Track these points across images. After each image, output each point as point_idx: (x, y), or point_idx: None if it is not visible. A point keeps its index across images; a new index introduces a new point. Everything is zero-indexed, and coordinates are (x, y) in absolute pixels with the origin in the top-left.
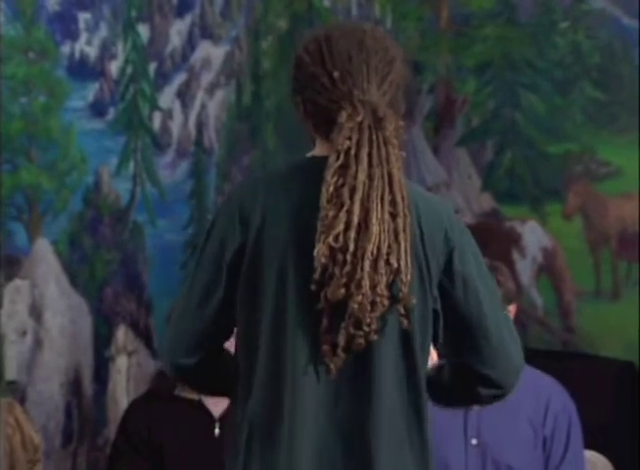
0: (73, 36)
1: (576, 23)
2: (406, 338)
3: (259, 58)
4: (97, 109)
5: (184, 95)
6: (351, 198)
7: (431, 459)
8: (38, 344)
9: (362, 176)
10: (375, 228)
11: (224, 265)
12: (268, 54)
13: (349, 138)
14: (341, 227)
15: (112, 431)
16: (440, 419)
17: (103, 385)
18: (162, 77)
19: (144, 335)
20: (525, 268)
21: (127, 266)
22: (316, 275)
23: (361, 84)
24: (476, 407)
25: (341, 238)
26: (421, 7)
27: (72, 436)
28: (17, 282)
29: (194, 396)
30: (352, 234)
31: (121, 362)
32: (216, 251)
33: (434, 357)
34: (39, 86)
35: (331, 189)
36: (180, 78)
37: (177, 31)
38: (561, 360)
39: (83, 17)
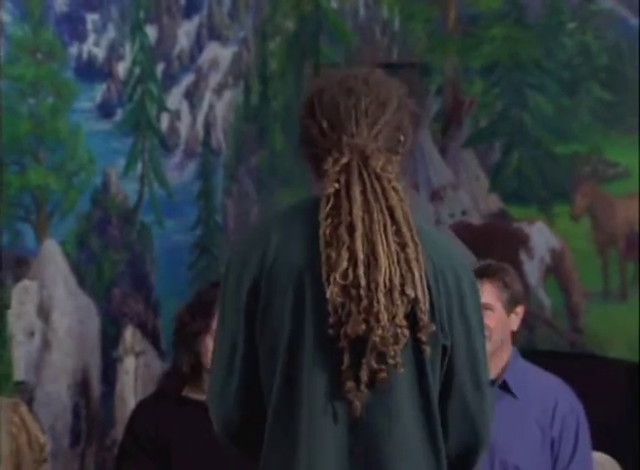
0: (81, 37)
1: (584, 24)
2: (421, 369)
3: (267, 59)
4: (105, 110)
5: (192, 96)
6: (351, 235)
7: None
8: (46, 344)
9: (358, 212)
10: (383, 260)
11: (242, 309)
12: (276, 55)
13: (337, 181)
14: (345, 265)
15: (119, 432)
16: None
17: (110, 386)
18: (170, 78)
19: (152, 336)
20: (532, 269)
21: (135, 267)
22: (332, 318)
23: (350, 129)
24: None
25: (350, 274)
26: (428, 8)
27: (80, 436)
28: (25, 283)
29: (201, 397)
30: (361, 269)
31: (129, 363)
32: (235, 299)
33: None
34: (47, 87)
35: (327, 231)
36: (188, 79)
37: (185, 32)
38: (569, 361)
39: (91, 18)
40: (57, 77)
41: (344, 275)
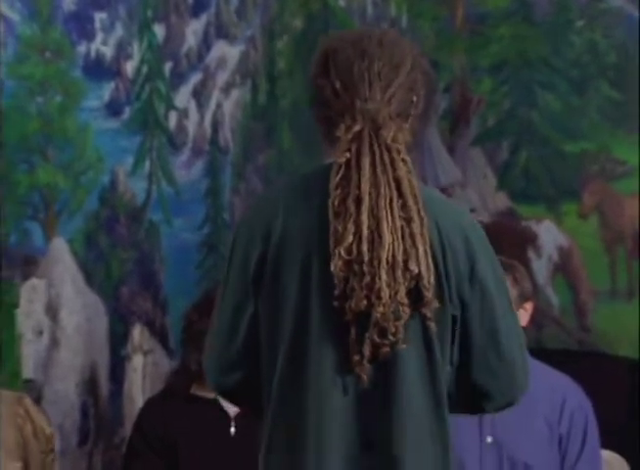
0: (89, 36)
1: (593, 22)
2: (428, 344)
3: (275, 57)
4: (113, 108)
5: (200, 94)
6: (357, 208)
7: (451, 463)
8: (54, 343)
9: (366, 185)
10: (387, 236)
11: (250, 281)
12: (283, 53)
13: (349, 149)
14: (350, 239)
15: (127, 430)
16: (455, 417)
17: (119, 384)
18: (178, 77)
19: (160, 334)
20: (540, 268)
21: (143, 265)
22: (337, 290)
23: (363, 93)
24: None
25: (354, 250)
26: (436, 6)
27: (88, 435)
28: (33, 281)
29: (210, 394)
30: (365, 244)
31: (137, 361)
32: (241, 269)
33: None
34: (55, 86)
35: (336, 202)
36: (196, 78)
37: (193, 31)
38: (576, 359)
39: (99, 16)
40: (65, 76)
41: (349, 250)
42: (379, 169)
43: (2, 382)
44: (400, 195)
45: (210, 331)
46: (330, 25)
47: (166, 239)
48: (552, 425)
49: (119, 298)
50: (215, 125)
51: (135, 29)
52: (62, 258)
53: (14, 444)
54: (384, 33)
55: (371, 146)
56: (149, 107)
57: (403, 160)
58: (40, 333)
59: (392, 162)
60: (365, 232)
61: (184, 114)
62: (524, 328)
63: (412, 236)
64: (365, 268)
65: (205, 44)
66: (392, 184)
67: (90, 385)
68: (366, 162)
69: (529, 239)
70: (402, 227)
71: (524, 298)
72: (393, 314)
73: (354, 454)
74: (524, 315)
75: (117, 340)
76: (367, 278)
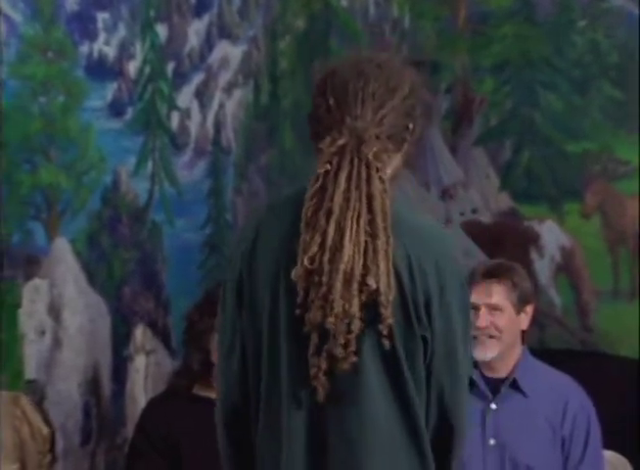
0: (92, 36)
1: (595, 22)
2: (393, 360)
3: (277, 57)
4: (115, 108)
5: (202, 95)
6: (327, 220)
7: None
8: (57, 343)
9: (339, 198)
10: (348, 249)
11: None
12: (286, 54)
13: (329, 162)
14: (314, 249)
15: (130, 430)
16: None
17: (121, 384)
18: (180, 77)
19: (162, 334)
20: (543, 268)
21: (145, 266)
22: (299, 299)
23: (355, 111)
24: (493, 406)
25: (316, 260)
26: (438, 6)
27: (91, 435)
28: (36, 281)
29: (212, 394)
30: (327, 256)
31: (140, 361)
32: (232, 289)
33: None
34: (58, 86)
35: (309, 213)
36: (198, 78)
37: (195, 31)
38: (579, 360)
39: (102, 17)
40: (68, 76)
41: (312, 260)
42: (353, 184)
43: (4, 382)
44: (370, 211)
45: (217, 354)
46: (332, 26)
47: (169, 239)
48: (554, 427)
49: (122, 298)
50: (218, 126)
51: (138, 29)
52: (64, 258)
53: (11, 445)
54: (385, 58)
55: (351, 160)
56: (151, 107)
57: (380, 178)
58: (43, 333)
59: (369, 178)
60: (329, 244)
61: (186, 114)
62: (525, 330)
63: (375, 252)
64: (323, 279)
65: (208, 44)
66: (364, 200)
67: (92, 385)
68: (343, 175)
69: (532, 239)
70: (366, 242)
71: (524, 301)
72: (347, 327)
73: (312, 466)
74: (525, 319)
75: (120, 340)
76: (324, 289)
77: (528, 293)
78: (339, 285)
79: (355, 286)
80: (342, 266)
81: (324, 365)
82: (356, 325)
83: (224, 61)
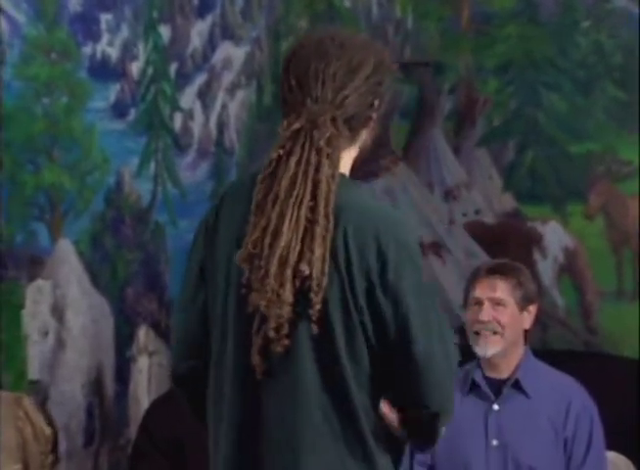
0: (95, 37)
1: (599, 23)
2: (329, 347)
3: (280, 58)
4: (118, 109)
5: (205, 95)
6: (273, 205)
7: (378, 459)
8: (60, 344)
9: (285, 183)
10: (286, 234)
11: (199, 278)
12: None
13: (283, 146)
14: (258, 233)
15: (133, 431)
16: (461, 420)
17: (124, 385)
18: (183, 78)
19: (165, 335)
20: (546, 269)
21: (148, 266)
22: (244, 280)
23: (315, 92)
24: (496, 407)
25: (258, 244)
26: (442, 7)
27: (94, 435)
28: (39, 282)
29: None
30: (268, 240)
31: (143, 362)
32: (194, 265)
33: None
34: (61, 87)
35: (259, 196)
36: (201, 79)
37: (198, 32)
38: (582, 361)
39: (105, 18)
40: (71, 77)
41: (255, 243)
42: (301, 169)
43: (8, 383)
44: (313, 197)
45: (172, 318)
46: (335, 26)
47: (172, 240)
48: (557, 427)
49: (125, 299)
50: (221, 126)
51: (141, 30)
52: (67, 258)
53: (14, 445)
54: (348, 36)
55: (303, 145)
56: (154, 108)
57: (331, 164)
58: (46, 334)
59: (318, 164)
60: (271, 228)
61: (189, 115)
62: (528, 330)
63: (312, 238)
64: (262, 263)
65: (211, 45)
66: (309, 185)
67: (96, 386)
68: (293, 160)
69: (535, 240)
70: (306, 228)
71: (528, 300)
72: (279, 311)
73: (244, 440)
74: (528, 318)
75: (123, 341)
76: (262, 272)
77: (532, 293)
78: (274, 269)
79: (289, 271)
80: (278, 251)
81: (259, 344)
82: (286, 310)
83: (227, 62)
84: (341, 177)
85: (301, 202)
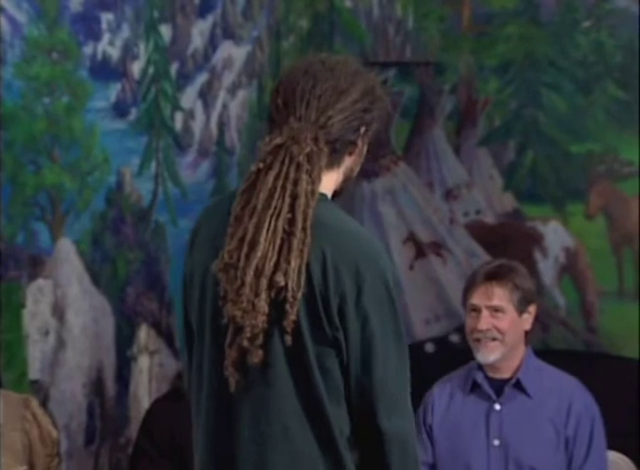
0: (96, 37)
1: (599, 23)
2: (302, 359)
3: (281, 58)
4: (119, 109)
5: (206, 95)
6: (250, 217)
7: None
8: (61, 343)
9: (263, 196)
10: (262, 245)
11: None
12: (290, 54)
13: (264, 160)
14: (235, 244)
15: (134, 430)
16: (462, 420)
17: (125, 384)
18: (184, 78)
19: (166, 335)
20: (547, 269)
21: (149, 266)
22: (221, 291)
23: (300, 111)
24: (497, 407)
25: (234, 254)
26: (442, 7)
27: (95, 435)
28: (40, 282)
29: None
30: (244, 251)
31: (143, 362)
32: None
33: None
34: (62, 87)
35: (238, 208)
36: (202, 78)
37: (199, 32)
38: (583, 361)
39: (106, 17)
40: (72, 77)
41: (231, 254)
42: (280, 183)
43: (8, 382)
44: (291, 210)
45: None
46: (336, 26)
47: (172, 240)
48: (558, 428)
49: (126, 298)
50: (221, 126)
51: (142, 30)
52: (68, 258)
53: (20, 447)
54: (339, 61)
55: (283, 160)
56: (155, 108)
57: (310, 180)
58: (46, 333)
59: (297, 179)
60: (248, 239)
61: (190, 114)
62: (529, 331)
63: (289, 250)
64: (238, 274)
65: (212, 45)
66: (287, 199)
67: (96, 385)
68: (272, 174)
69: (536, 240)
70: (282, 240)
71: (526, 301)
72: (254, 320)
73: (219, 452)
74: (528, 319)
75: (123, 340)
76: (238, 283)
77: (531, 293)
78: (249, 279)
79: (265, 281)
80: (254, 261)
81: (234, 356)
82: (260, 320)
83: (228, 61)
84: (321, 196)
85: (279, 214)
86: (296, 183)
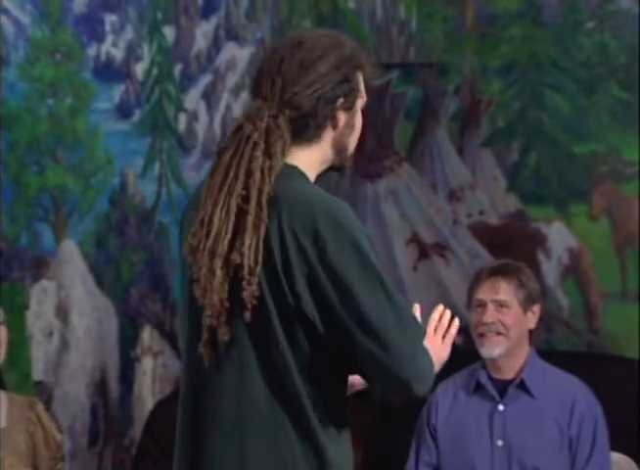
0: (99, 38)
1: (603, 24)
2: (268, 333)
3: None
4: (123, 110)
5: (209, 96)
6: (209, 198)
7: (326, 445)
8: (64, 344)
9: (219, 175)
10: (216, 224)
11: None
12: None
13: (228, 142)
14: (196, 226)
15: (137, 431)
16: (466, 420)
17: (128, 385)
18: (188, 79)
19: (169, 336)
20: (550, 270)
21: (153, 267)
22: (195, 274)
23: (265, 90)
24: (501, 408)
25: (196, 237)
26: (446, 8)
27: (98, 436)
28: (43, 283)
29: None
30: (204, 232)
31: (147, 363)
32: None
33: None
34: (65, 88)
35: (203, 192)
36: (205, 80)
37: (202, 33)
38: (586, 362)
39: (109, 19)
40: (75, 78)
41: (193, 236)
42: (235, 162)
43: (12, 383)
44: (245, 187)
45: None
46: (339, 27)
47: (176, 241)
48: (562, 428)
49: (129, 299)
50: (225, 127)
51: (145, 32)
52: (72, 259)
53: (24, 448)
54: (311, 36)
55: (240, 139)
56: (159, 109)
57: (267, 157)
58: (50, 334)
59: (251, 157)
60: (206, 220)
61: (194, 116)
62: (533, 331)
63: (244, 228)
64: (199, 255)
65: (215, 46)
66: (242, 177)
67: (100, 386)
68: (228, 154)
69: (539, 241)
70: (238, 218)
71: (531, 300)
72: (212, 300)
73: (195, 431)
74: (532, 318)
75: (127, 341)
76: (199, 263)
77: (535, 292)
78: (206, 259)
79: (218, 260)
80: (209, 242)
81: (206, 337)
82: (216, 298)
83: (231, 63)
84: (288, 169)
85: (232, 191)
86: (250, 160)
